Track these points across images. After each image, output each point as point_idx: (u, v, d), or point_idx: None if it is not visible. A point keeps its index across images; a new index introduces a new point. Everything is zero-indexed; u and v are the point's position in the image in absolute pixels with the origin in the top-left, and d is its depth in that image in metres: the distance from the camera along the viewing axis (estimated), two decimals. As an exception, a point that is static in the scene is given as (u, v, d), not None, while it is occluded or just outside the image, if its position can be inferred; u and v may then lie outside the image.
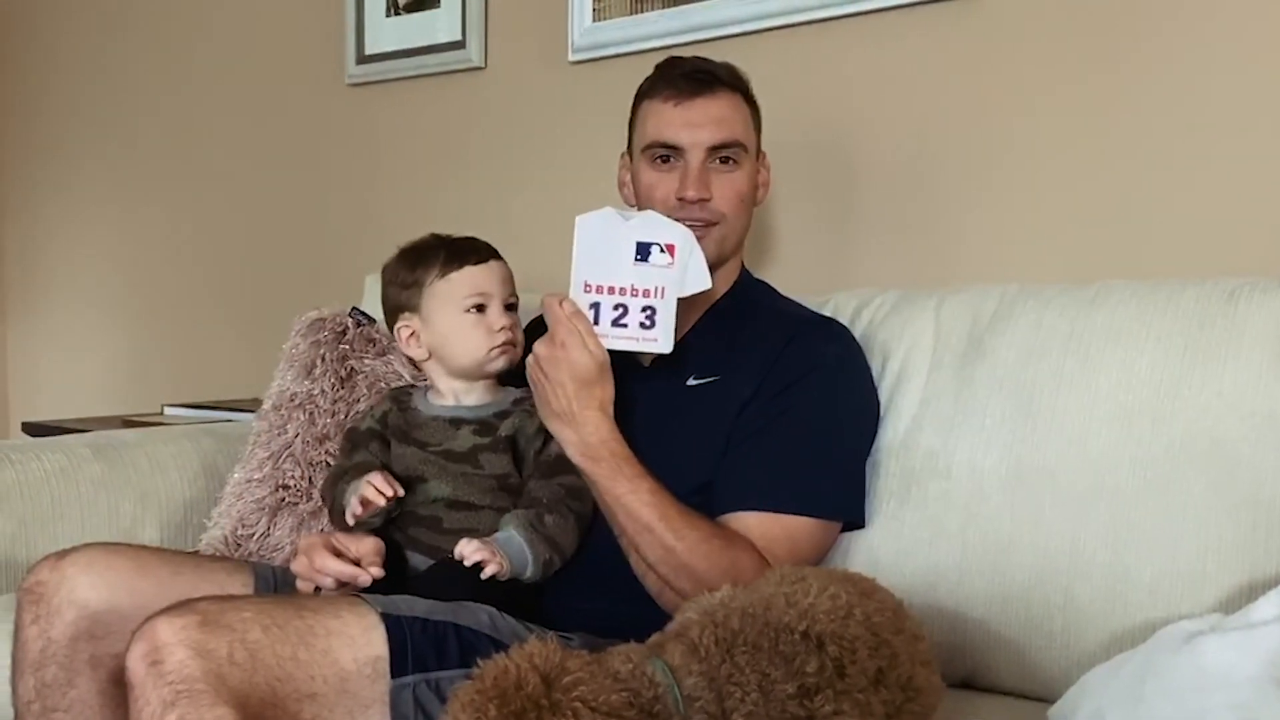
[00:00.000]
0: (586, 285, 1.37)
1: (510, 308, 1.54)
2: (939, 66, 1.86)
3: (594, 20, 2.22)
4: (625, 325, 1.35)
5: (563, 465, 1.45)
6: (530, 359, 1.41)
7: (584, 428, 1.38)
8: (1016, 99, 1.79)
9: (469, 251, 1.54)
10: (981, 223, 1.84)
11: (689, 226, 1.51)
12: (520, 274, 1.60)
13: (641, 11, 2.15)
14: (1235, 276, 1.40)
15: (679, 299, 1.38)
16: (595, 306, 1.37)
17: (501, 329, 1.51)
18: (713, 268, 1.56)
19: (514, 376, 1.56)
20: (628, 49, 2.15)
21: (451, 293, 1.52)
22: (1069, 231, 1.76)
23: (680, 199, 1.52)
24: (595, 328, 1.37)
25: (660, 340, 1.37)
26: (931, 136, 1.88)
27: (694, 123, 1.52)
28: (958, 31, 1.84)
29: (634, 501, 1.37)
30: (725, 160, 1.53)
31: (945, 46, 1.86)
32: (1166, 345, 1.36)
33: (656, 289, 1.36)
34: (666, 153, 1.54)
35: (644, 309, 1.35)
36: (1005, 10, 1.80)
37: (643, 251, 1.34)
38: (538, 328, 1.49)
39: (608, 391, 1.40)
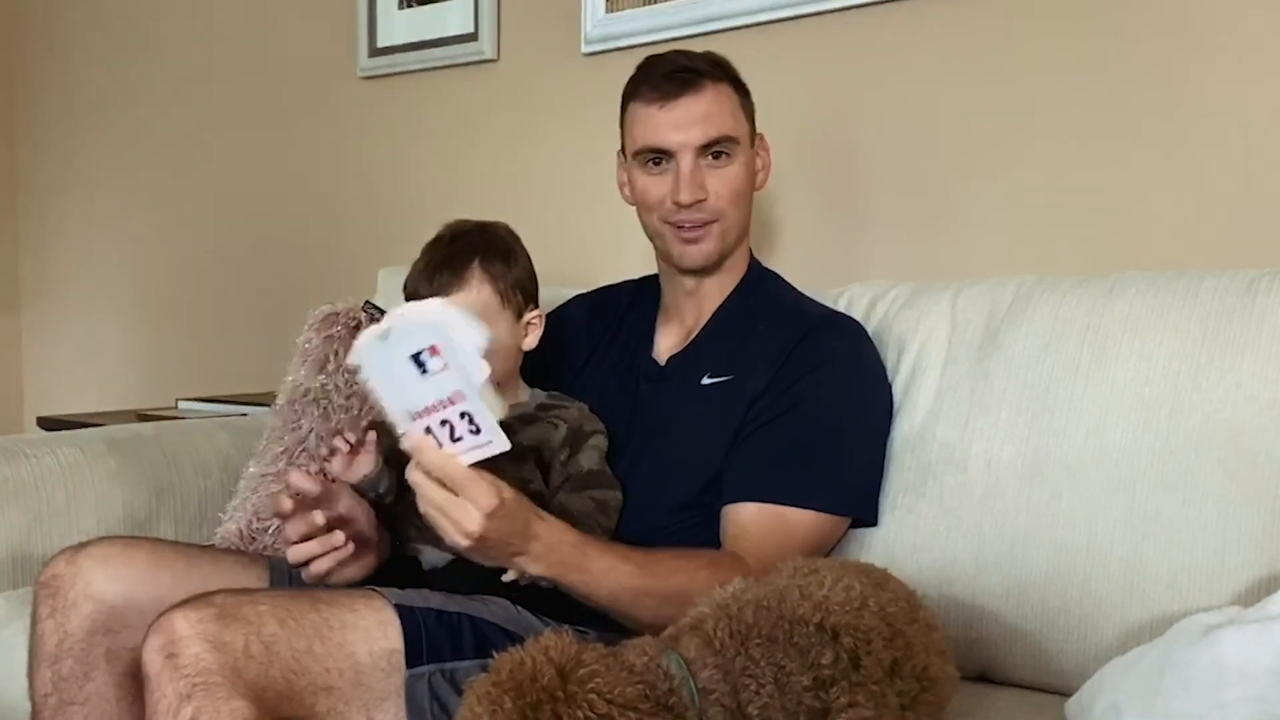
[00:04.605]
0: (412, 415, 1.21)
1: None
2: (954, 57, 1.85)
3: (607, 12, 2.22)
4: (462, 439, 1.19)
5: (594, 479, 1.45)
6: (463, 551, 1.25)
7: (535, 552, 1.26)
8: (1031, 89, 1.78)
9: (422, 286, 1.45)
10: (996, 215, 1.83)
11: (687, 229, 1.52)
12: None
13: (654, 3, 2.15)
14: (1254, 267, 1.39)
15: (489, 386, 1.19)
16: (429, 432, 1.20)
17: None
18: (716, 263, 1.56)
19: (537, 376, 1.57)
20: (641, 40, 2.14)
21: None
22: (1085, 223, 1.75)
23: (676, 202, 1.51)
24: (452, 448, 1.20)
25: (494, 441, 1.20)
26: (945, 127, 1.87)
27: (680, 124, 1.50)
28: (971, 23, 1.83)
29: (615, 576, 1.31)
30: (717, 155, 1.51)
31: (959, 37, 1.85)
32: (1184, 336, 1.35)
33: (453, 395, 1.18)
34: (657, 156, 1.52)
35: (461, 415, 1.19)
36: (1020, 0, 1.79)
37: (419, 364, 1.17)
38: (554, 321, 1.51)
39: (520, 499, 1.25)
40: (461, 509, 1.20)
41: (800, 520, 1.42)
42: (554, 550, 1.28)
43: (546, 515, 1.28)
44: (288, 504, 1.35)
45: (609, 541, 1.36)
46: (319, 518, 1.34)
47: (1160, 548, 1.30)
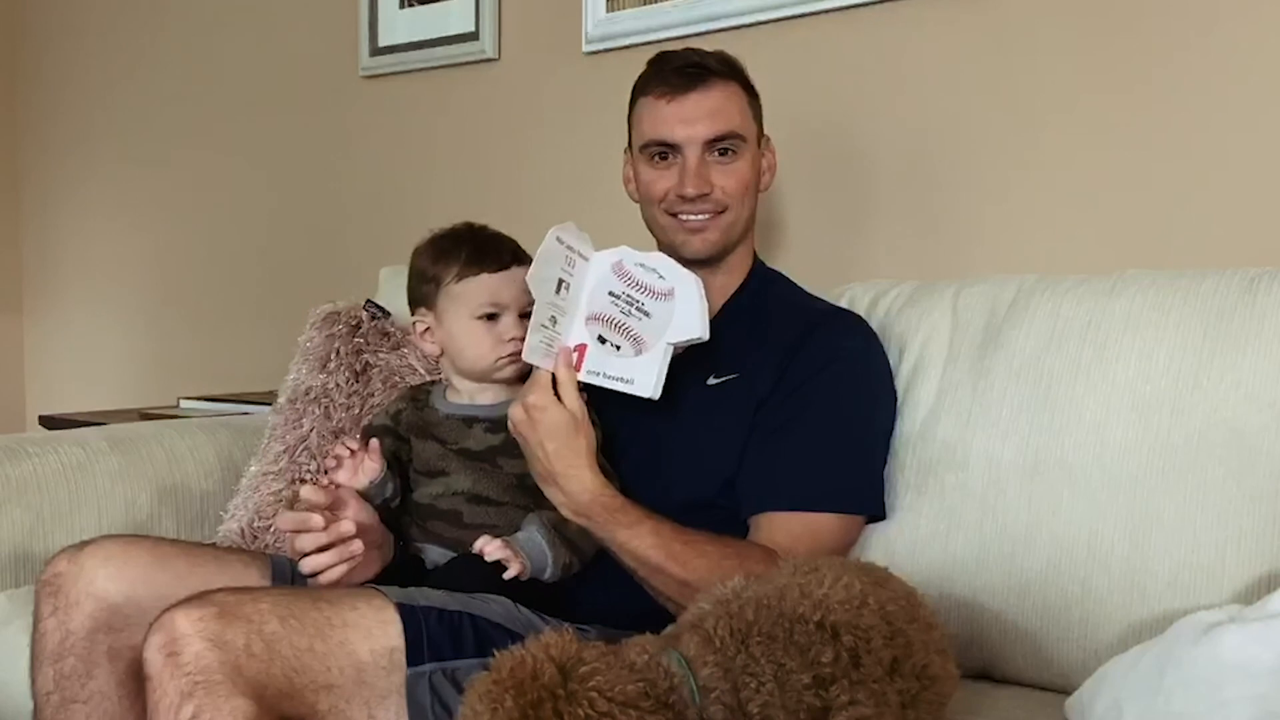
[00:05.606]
0: (590, 317, 1.38)
1: (528, 315, 1.47)
2: (956, 57, 1.86)
3: (608, 11, 2.22)
4: (609, 357, 1.37)
5: None
6: (510, 423, 1.39)
7: (569, 486, 1.36)
8: (1033, 89, 1.78)
9: (490, 256, 1.50)
10: (997, 215, 1.83)
11: (691, 221, 1.53)
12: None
13: (655, 2, 2.15)
14: (1254, 266, 1.39)
15: (673, 344, 1.38)
16: (603, 335, 1.38)
17: (511, 339, 1.47)
18: (719, 254, 1.56)
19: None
20: (642, 40, 2.14)
21: (465, 298, 1.49)
22: (1086, 223, 1.75)
23: (680, 195, 1.51)
24: (585, 362, 1.38)
25: (637, 382, 1.37)
26: (947, 127, 1.87)
27: (688, 118, 1.51)
28: (974, 21, 1.83)
29: (637, 546, 1.36)
30: (724, 152, 1.52)
31: (962, 36, 1.85)
32: (1185, 335, 1.35)
33: (645, 334, 1.38)
34: (664, 150, 1.53)
35: (618, 347, 1.38)
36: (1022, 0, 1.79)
37: (636, 302, 1.38)
38: None
39: (589, 440, 1.38)
40: (524, 390, 1.37)
41: (829, 524, 1.43)
42: (585, 505, 1.36)
43: (597, 472, 1.37)
44: (319, 520, 1.34)
45: (647, 513, 1.37)
46: (348, 526, 1.35)
47: (1161, 546, 1.30)
